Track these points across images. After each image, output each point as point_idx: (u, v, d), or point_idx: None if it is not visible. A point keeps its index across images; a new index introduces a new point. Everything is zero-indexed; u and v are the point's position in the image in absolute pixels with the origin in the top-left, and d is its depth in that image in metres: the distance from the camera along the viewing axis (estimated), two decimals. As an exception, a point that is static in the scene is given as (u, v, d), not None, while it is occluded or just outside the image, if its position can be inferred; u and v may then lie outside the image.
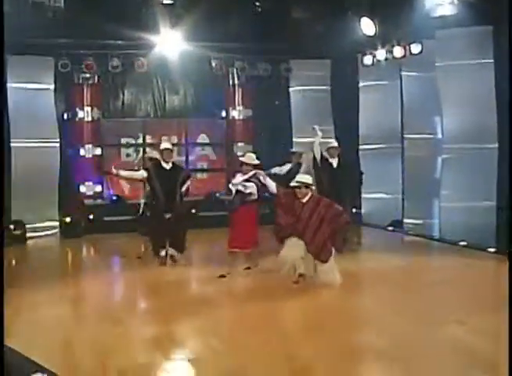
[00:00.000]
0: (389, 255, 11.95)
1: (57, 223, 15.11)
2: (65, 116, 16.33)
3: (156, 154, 11.80)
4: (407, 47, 14.28)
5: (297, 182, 9.37)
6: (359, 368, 6.11)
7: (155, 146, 15.06)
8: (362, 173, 13.40)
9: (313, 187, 9.61)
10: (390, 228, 15.03)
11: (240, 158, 10.59)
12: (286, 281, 9.30)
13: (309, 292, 9.01)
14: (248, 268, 10.21)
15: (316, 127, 11.62)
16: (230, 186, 10.33)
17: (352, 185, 12.37)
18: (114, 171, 12.08)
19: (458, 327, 6.97)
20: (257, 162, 10.14)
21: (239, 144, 17.13)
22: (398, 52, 14.48)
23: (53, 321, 7.59)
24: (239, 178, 10.12)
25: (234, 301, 8.86)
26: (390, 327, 7.17)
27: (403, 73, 14.92)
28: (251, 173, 10.08)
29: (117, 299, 9.41)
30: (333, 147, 12.11)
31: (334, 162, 11.96)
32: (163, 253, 10.97)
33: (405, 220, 15.00)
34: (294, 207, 9.34)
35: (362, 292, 9.35)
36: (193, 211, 14.65)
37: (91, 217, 15.19)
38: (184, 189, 11.04)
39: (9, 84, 14.64)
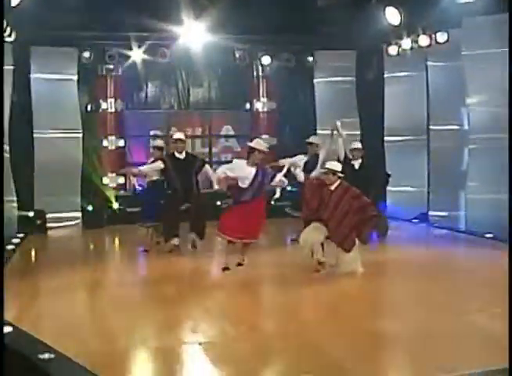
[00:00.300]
0: (413, 246, 11.77)
1: (79, 214, 15.06)
2: (88, 107, 16.20)
3: (161, 143, 11.78)
4: (433, 36, 13.96)
5: (326, 168, 9.37)
6: (377, 353, 5.91)
7: (166, 137, 15.23)
8: (388, 175, 13.24)
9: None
10: (415, 220, 14.77)
11: (248, 143, 9.84)
12: (305, 270, 9.15)
13: (330, 280, 8.87)
14: (240, 264, 9.71)
15: (338, 123, 11.35)
16: (273, 183, 9.72)
17: (375, 186, 12.05)
18: (135, 170, 11.87)
19: (480, 315, 6.76)
20: (267, 148, 9.72)
21: (264, 136, 16.81)
22: (423, 41, 14.15)
23: (56, 308, 7.57)
24: (279, 177, 9.70)
25: (255, 289, 8.73)
26: (411, 315, 6.99)
27: (429, 63, 14.60)
28: (286, 168, 10.08)
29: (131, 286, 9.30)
30: (356, 149, 12.13)
31: (356, 164, 12.00)
32: (175, 241, 10.93)
33: (431, 212, 14.71)
34: (322, 195, 9.28)
35: (384, 281, 9.14)
36: (218, 203, 14.43)
37: (114, 207, 15.05)
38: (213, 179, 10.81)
39: (32, 75, 14.68)
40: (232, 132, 17.16)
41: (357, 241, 9.41)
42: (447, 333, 6.22)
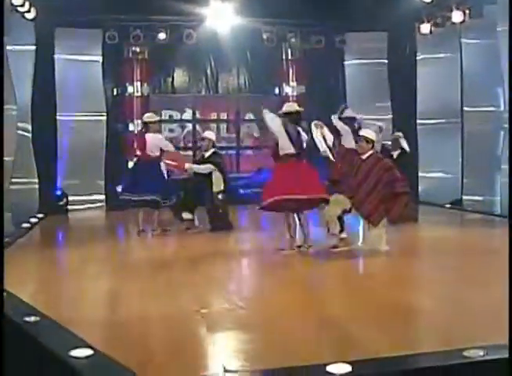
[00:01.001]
0: (444, 229, 11.12)
1: (103, 197, 14.69)
2: (114, 91, 15.82)
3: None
4: (466, 11, 13.27)
5: (359, 136, 8.85)
6: (396, 324, 5.32)
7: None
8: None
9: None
10: (448, 206, 14.10)
11: (282, 111, 8.99)
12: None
13: (350, 256, 8.31)
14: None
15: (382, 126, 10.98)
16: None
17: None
18: (187, 165, 11.22)
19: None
20: (301, 108, 9.12)
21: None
22: (457, 17, 13.46)
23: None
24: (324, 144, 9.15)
25: (273, 264, 8.20)
26: (437, 289, 6.42)
27: (463, 40, 13.91)
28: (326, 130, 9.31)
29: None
30: (396, 139, 12.09)
31: (395, 154, 11.79)
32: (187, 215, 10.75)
33: (465, 197, 14.02)
34: (353, 163, 8.78)
35: (410, 259, 8.43)
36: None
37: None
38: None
39: (56, 56, 14.33)
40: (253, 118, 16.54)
41: (384, 219, 8.87)
42: (472, 306, 5.65)
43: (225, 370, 4.06)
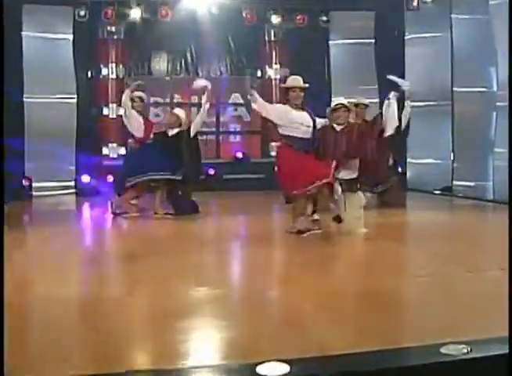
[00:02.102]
0: (433, 213, 10.10)
1: (73, 183, 13.64)
2: (88, 73, 14.77)
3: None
4: (457, -16, 12.26)
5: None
6: (358, 316, 4.31)
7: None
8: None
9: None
10: (438, 192, 13.06)
11: (284, 85, 7.92)
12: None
13: (325, 240, 7.27)
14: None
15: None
16: None
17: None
18: None
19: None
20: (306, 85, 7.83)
21: (276, 105, 15.25)
22: (447, -10, 12.45)
23: None
24: None
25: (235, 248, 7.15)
26: (420, 276, 5.38)
27: (453, 16, 12.88)
28: None
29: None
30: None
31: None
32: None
33: (455, 183, 12.97)
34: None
35: (386, 243, 7.30)
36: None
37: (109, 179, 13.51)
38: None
39: (23, 33, 13.28)
40: (241, 101, 15.48)
41: (362, 197, 7.88)
42: (457, 296, 4.64)
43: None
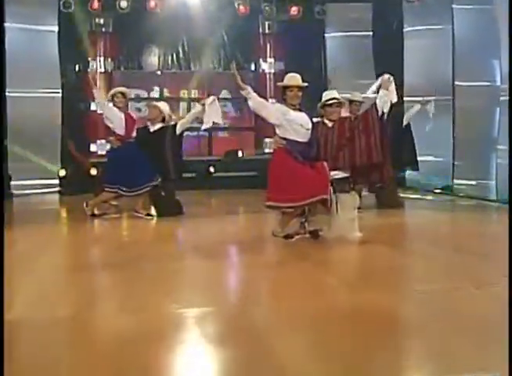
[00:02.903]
0: (433, 214, 9.36)
1: (57, 181, 12.87)
2: (76, 66, 14.03)
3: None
4: (459, -28, 11.49)
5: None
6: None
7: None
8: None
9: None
10: (438, 191, 12.30)
11: (281, 83, 6.88)
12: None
13: (314, 246, 6.49)
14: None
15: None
16: None
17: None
18: None
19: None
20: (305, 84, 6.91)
21: (271, 100, 14.45)
22: (448, -23, 11.68)
23: None
24: None
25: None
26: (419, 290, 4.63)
27: (454, 6, 12.08)
28: None
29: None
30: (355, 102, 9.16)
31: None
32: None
33: (456, 181, 12.20)
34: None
35: (389, 247, 6.55)
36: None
37: (92, 174, 12.70)
38: None
39: (6, 24, 12.49)
40: (229, 97, 14.70)
41: (356, 198, 7.13)
42: (459, 315, 3.88)
43: None
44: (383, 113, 6.98)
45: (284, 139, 6.79)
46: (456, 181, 12.20)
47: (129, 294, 4.52)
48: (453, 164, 12.40)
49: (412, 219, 8.83)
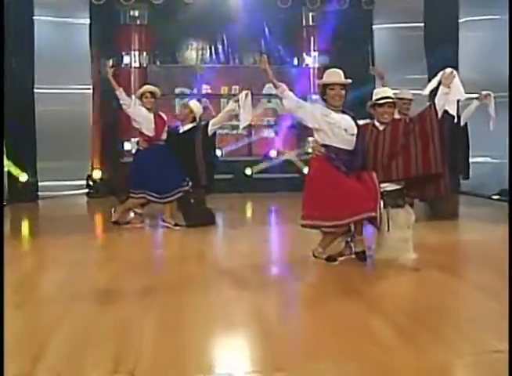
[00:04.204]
0: (493, 227, 8.14)
1: (85, 182, 12.08)
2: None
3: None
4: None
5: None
6: None
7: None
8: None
9: None
10: (495, 197, 11.06)
11: (321, 80, 5.79)
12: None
13: (359, 272, 5.40)
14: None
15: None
16: None
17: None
18: None
19: None
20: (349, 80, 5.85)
21: (314, 97, 13.38)
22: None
23: None
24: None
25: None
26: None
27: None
28: None
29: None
30: (404, 99, 7.95)
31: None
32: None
33: (516, 187, 10.97)
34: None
35: (454, 274, 5.37)
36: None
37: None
38: None
39: (35, 17, 11.69)
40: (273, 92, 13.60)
41: (411, 213, 6.01)
42: None
43: None
44: (449, 114, 5.87)
45: (324, 145, 5.75)
46: (516, 186, 10.94)
47: (123, 350, 3.51)
48: (511, 166, 11.16)
49: (471, 235, 7.57)
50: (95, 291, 4.80)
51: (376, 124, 5.96)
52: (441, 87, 5.87)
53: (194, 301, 4.48)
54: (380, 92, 5.99)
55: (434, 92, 6.09)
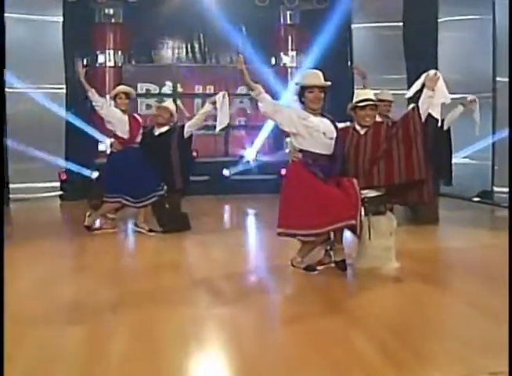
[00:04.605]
0: (475, 231, 7.96)
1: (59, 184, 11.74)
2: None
3: None
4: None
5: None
6: None
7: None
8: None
9: None
10: (476, 199, 10.89)
11: (300, 82, 5.50)
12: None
13: (339, 282, 5.17)
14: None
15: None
16: None
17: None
18: None
19: None
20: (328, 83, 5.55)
21: (292, 97, 13.13)
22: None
23: None
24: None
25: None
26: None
27: (496, -4, 10.72)
28: None
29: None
30: (385, 101, 7.67)
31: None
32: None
33: (497, 189, 10.80)
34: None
35: (437, 285, 5.17)
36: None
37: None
38: None
39: (6, 15, 11.21)
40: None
41: (393, 220, 5.77)
42: None
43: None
44: (433, 118, 5.65)
45: (302, 150, 5.49)
46: (496, 188, 10.79)
47: (90, 369, 3.24)
48: (493, 168, 11.01)
49: (454, 242, 7.32)
50: (63, 305, 4.51)
51: (357, 127, 5.72)
52: (425, 90, 5.64)
53: (167, 316, 4.22)
54: (362, 93, 5.74)
55: (417, 94, 5.87)
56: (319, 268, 5.55)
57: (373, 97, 5.71)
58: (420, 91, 5.83)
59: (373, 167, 5.54)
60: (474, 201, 10.83)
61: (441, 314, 4.51)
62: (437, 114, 5.73)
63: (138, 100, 12.66)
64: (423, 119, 5.56)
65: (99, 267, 5.85)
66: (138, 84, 12.80)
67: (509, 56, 9.16)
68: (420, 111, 5.55)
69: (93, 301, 4.61)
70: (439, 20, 12.12)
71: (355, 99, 5.71)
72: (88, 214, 7.83)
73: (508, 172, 8.50)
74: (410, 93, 6.04)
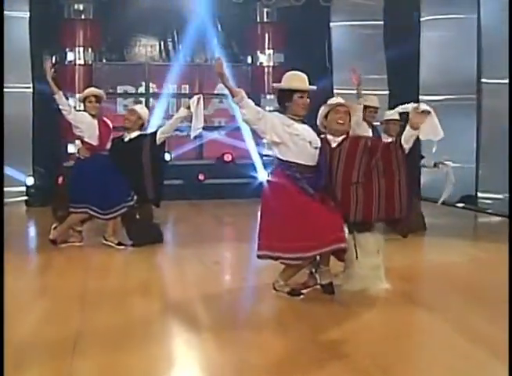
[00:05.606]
0: (462, 243, 7.54)
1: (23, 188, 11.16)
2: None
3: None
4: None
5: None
6: None
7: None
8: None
9: None
10: (459, 205, 10.47)
11: (283, 85, 4.97)
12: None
13: (324, 308, 4.69)
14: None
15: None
16: None
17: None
18: None
19: None
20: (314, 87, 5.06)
21: (269, 97, 12.62)
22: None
23: None
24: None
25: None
26: None
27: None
28: None
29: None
30: (392, 121, 7.41)
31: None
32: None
33: (480, 194, 10.44)
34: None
35: (429, 309, 4.78)
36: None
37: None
38: None
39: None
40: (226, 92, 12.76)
41: (380, 238, 5.30)
42: None
43: None
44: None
45: (285, 162, 4.96)
46: (480, 194, 10.44)
47: None
48: (477, 172, 10.62)
49: (441, 257, 6.78)
50: (9, 345, 3.85)
51: (329, 137, 5.15)
52: (408, 127, 5.03)
53: (135, 360, 3.66)
54: (334, 98, 5.24)
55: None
56: (303, 291, 5.06)
57: (343, 101, 5.16)
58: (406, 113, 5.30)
59: (349, 195, 4.99)
60: (457, 207, 10.40)
61: (428, 343, 4.10)
62: (408, 146, 5.10)
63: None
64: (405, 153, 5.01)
65: (62, 291, 5.27)
66: (118, 87, 12.40)
67: (509, 56, 8.93)
68: (404, 147, 4.98)
69: (48, 339, 4.02)
70: (421, 19, 11.74)
71: (327, 103, 5.18)
72: (53, 226, 7.27)
73: (508, 175, 8.29)
74: (393, 115, 5.68)
